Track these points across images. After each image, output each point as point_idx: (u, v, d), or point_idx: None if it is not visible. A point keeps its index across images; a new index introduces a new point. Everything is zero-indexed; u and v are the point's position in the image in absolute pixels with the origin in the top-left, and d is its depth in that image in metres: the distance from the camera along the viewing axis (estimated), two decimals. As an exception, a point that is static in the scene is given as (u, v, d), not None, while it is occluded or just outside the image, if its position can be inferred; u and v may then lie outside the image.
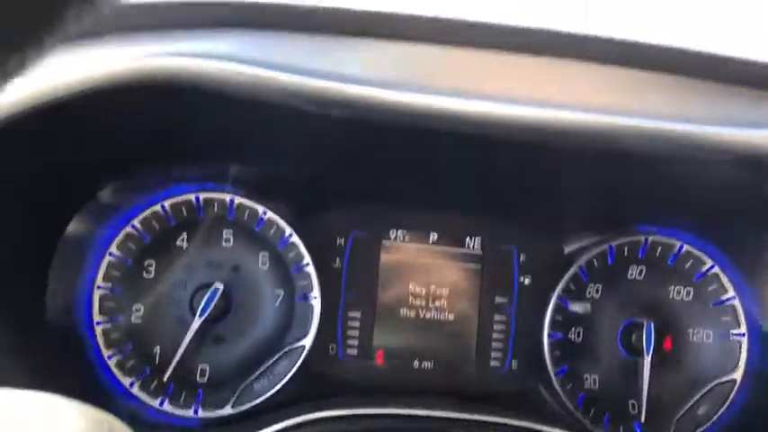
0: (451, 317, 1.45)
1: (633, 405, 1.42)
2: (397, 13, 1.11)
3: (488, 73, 1.13)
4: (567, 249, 1.47)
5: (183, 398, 1.33)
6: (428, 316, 1.45)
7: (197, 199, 1.34)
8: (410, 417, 1.31)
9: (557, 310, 1.41)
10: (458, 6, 1.13)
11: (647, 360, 1.38)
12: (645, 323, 1.39)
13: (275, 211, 1.36)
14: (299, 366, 1.34)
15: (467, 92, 1.03)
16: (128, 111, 1.04)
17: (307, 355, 1.35)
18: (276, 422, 1.23)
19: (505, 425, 1.31)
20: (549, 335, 1.41)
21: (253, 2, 1.09)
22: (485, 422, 1.31)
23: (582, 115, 1.01)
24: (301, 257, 1.36)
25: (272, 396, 1.33)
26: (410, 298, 1.45)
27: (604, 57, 1.13)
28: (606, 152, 1.10)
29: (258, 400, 1.32)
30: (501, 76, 1.12)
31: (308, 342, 1.35)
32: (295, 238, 1.36)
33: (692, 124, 1.01)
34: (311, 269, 1.36)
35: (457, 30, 1.11)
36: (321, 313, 1.36)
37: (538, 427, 1.30)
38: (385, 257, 1.44)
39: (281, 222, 1.35)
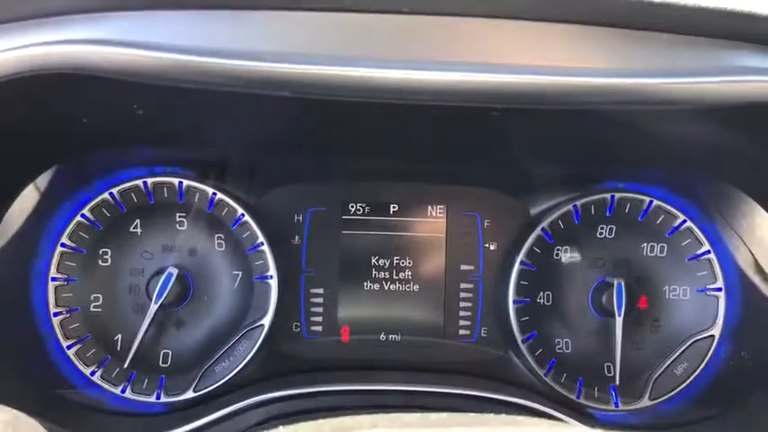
0: (417, 288, 1.42)
1: (608, 367, 1.38)
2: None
3: (433, 39, 1.08)
4: (534, 212, 1.42)
5: (145, 384, 1.32)
6: (393, 288, 1.42)
7: (145, 184, 1.32)
8: (374, 391, 1.29)
9: (522, 275, 1.37)
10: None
11: (620, 320, 1.34)
12: (615, 283, 1.35)
13: (226, 192, 1.34)
14: (260, 346, 1.33)
15: (411, 61, 0.99)
16: (52, 99, 1.02)
17: (268, 335, 1.34)
18: (237, 402, 1.23)
19: (471, 396, 1.29)
20: (514, 300, 1.37)
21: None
22: (449, 394, 1.29)
23: (531, 77, 0.95)
24: (256, 237, 1.34)
25: (233, 377, 1.32)
26: (373, 271, 1.42)
27: (549, 13, 1.07)
28: (561, 112, 1.05)
29: (220, 383, 1.31)
30: (445, 42, 1.07)
31: (267, 321, 1.33)
32: (247, 218, 1.33)
33: (641, 77, 0.95)
34: (266, 248, 1.33)
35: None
36: (280, 292, 1.34)
37: (503, 397, 1.28)
38: (345, 232, 1.41)
39: (233, 203, 1.33)
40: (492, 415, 0.70)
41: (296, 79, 0.93)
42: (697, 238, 1.38)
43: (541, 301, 1.40)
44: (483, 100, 0.93)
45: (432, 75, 0.93)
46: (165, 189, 1.33)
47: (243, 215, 1.33)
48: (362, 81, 0.95)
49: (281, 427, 0.70)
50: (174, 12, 0.99)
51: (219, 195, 1.33)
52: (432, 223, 1.43)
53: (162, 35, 0.95)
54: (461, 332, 1.42)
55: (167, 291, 1.29)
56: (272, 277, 1.34)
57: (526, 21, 0.99)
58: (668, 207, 1.38)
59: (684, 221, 1.38)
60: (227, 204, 1.34)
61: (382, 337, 1.41)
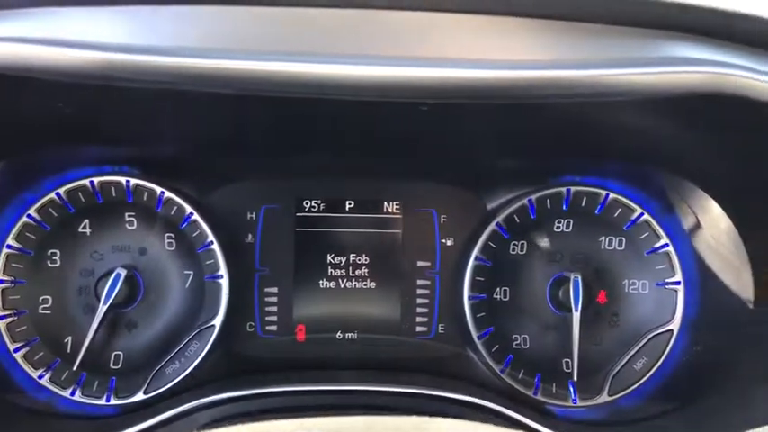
0: (373, 285, 1.41)
1: (567, 363, 1.37)
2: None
3: (369, 34, 1.05)
4: (490, 207, 1.41)
5: (95, 386, 1.30)
6: (349, 285, 1.40)
7: (92, 183, 1.30)
8: (330, 391, 1.28)
9: (477, 270, 1.36)
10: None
11: (577, 315, 1.32)
12: (572, 277, 1.33)
13: (175, 191, 1.31)
14: (212, 346, 1.31)
15: (345, 56, 0.96)
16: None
17: (221, 335, 1.32)
18: (188, 402, 1.21)
19: (426, 395, 1.27)
20: (469, 297, 1.35)
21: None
22: (405, 393, 1.27)
23: (462, 71, 0.93)
24: (206, 236, 1.32)
25: (185, 378, 1.30)
26: (329, 269, 1.40)
27: (483, 5, 1.05)
28: (511, 105, 1.03)
29: (171, 384, 1.30)
30: (380, 36, 1.05)
31: (218, 321, 1.31)
32: (196, 216, 1.31)
33: (574, 69, 0.93)
34: (216, 247, 1.31)
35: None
36: (232, 291, 1.32)
37: (458, 396, 1.26)
38: (300, 229, 1.39)
39: (181, 201, 1.31)
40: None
41: (230, 76, 0.92)
42: (655, 231, 1.37)
43: (498, 296, 1.38)
44: (412, 95, 0.91)
45: (362, 70, 0.92)
46: (113, 188, 1.31)
47: (192, 213, 1.31)
48: (292, 77, 0.93)
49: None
50: (103, 8, 0.97)
51: (168, 194, 1.31)
52: (388, 220, 1.41)
53: (91, 33, 0.93)
54: (418, 329, 1.40)
55: (116, 291, 1.27)
56: (222, 277, 1.32)
57: (459, 14, 0.97)
58: (625, 200, 1.36)
59: (642, 214, 1.36)
60: (176, 203, 1.31)
61: (339, 335, 1.40)
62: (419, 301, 1.40)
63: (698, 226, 1.31)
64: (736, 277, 1.26)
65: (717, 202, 1.24)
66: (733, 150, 1.09)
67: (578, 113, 1.09)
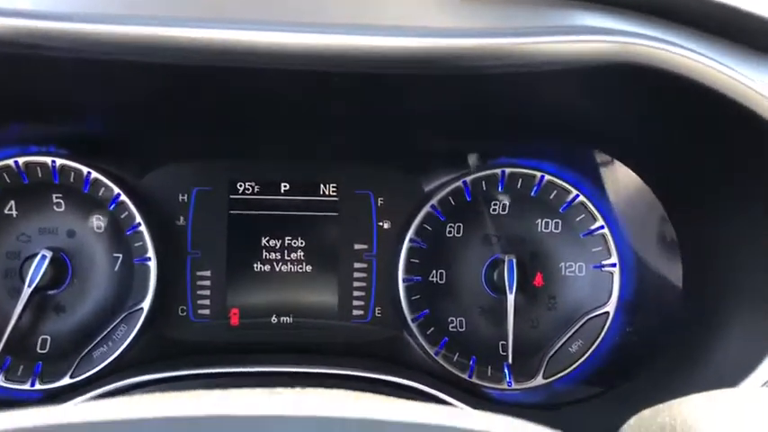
0: (309, 268, 1.39)
1: (503, 346, 1.35)
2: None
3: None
4: (427, 189, 1.39)
5: (20, 371, 1.27)
6: (285, 269, 1.38)
7: (17, 164, 1.27)
8: (262, 374, 1.26)
9: (412, 252, 1.34)
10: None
11: (512, 298, 1.31)
12: (506, 259, 1.32)
13: (103, 171, 1.29)
14: (141, 330, 1.29)
15: (264, 23, 0.95)
16: None
17: (151, 318, 1.30)
18: (110, 384, 1.19)
19: (360, 377, 1.25)
20: (404, 279, 1.34)
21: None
22: (339, 375, 1.25)
23: (403, 40, 0.92)
24: (134, 217, 1.30)
25: (113, 362, 1.27)
26: (264, 252, 1.38)
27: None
28: (440, 82, 1.02)
29: (98, 368, 1.27)
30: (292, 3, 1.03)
31: (146, 305, 1.29)
32: (124, 198, 1.29)
33: (492, 38, 0.92)
34: (144, 229, 1.29)
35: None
36: (162, 274, 1.30)
37: (392, 378, 1.25)
38: (234, 212, 1.37)
39: (109, 182, 1.29)
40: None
41: (149, 43, 0.90)
42: (590, 213, 1.36)
43: (434, 279, 1.37)
44: (321, 64, 0.90)
45: (274, 37, 0.91)
46: (39, 169, 1.28)
47: (119, 195, 1.29)
48: (209, 44, 0.92)
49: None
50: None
51: (95, 174, 1.28)
52: (324, 202, 1.39)
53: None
54: (355, 312, 1.38)
55: (41, 274, 1.24)
56: (150, 259, 1.29)
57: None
58: (560, 182, 1.35)
59: (577, 196, 1.35)
60: (104, 184, 1.29)
61: (274, 319, 1.38)
62: (356, 284, 1.39)
63: (628, 205, 1.31)
64: (666, 258, 1.26)
65: (642, 179, 1.24)
66: (649, 124, 1.08)
67: (506, 90, 1.08)
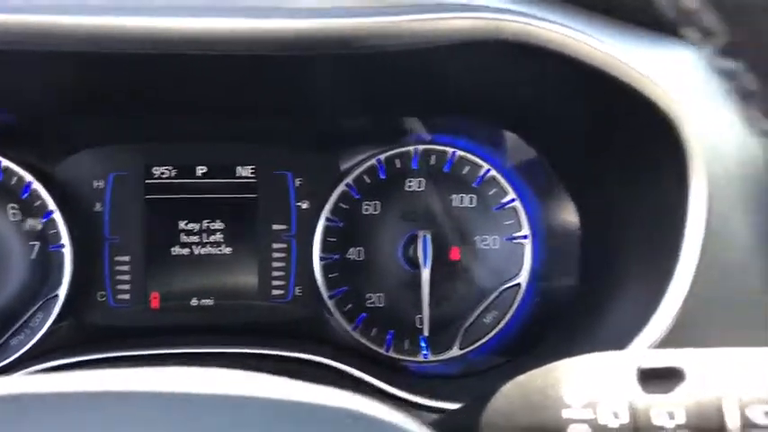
0: (229, 250, 1.40)
1: (420, 320, 1.39)
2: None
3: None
4: (344, 168, 1.41)
5: (-67, 363, 1.28)
6: (204, 252, 1.40)
7: (-77, 153, 1.27)
8: (179, 355, 1.27)
9: (328, 231, 1.37)
10: None
11: (426, 272, 1.34)
12: (421, 235, 1.35)
13: (14, 159, 1.29)
14: (58, 317, 1.30)
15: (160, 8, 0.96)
16: None
17: (68, 305, 1.31)
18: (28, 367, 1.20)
19: (277, 357, 1.28)
20: (321, 257, 1.36)
21: None
22: (249, 354, 1.27)
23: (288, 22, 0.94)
24: (47, 205, 1.30)
25: (31, 349, 1.28)
26: (182, 235, 1.39)
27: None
28: (341, 59, 1.03)
29: (15, 355, 1.28)
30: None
31: (62, 292, 1.30)
32: (36, 186, 1.29)
33: (357, 18, 0.94)
34: (57, 216, 1.30)
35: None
36: (78, 261, 1.31)
37: (303, 356, 1.27)
38: (150, 196, 1.38)
39: (20, 170, 1.29)
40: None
41: (44, 32, 0.91)
42: (502, 187, 1.39)
43: (352, 256, 1.39)
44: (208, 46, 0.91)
45: (170, 22, 0.92)
46: (-51, 158, 1.28)
47: (31, 183, 1.29)
48: (110, 31, 0.93)
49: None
50: None
51: (6, 163, 1.28)
52: (242, 184, 1.40)
53: None
54: (275, 292, 1.40)
55: (-51, 264, 1.25)
56: (64, 246, 1.30)
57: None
58: (472, 157, 1.38)
59: (489, 170, 1.38)
60: (15, 172, 1.29)
61: (194, 302, 1.39)
62: (275, 264, 1.40)
63: (532, 178, 1.34)
64: (569, 228, 1.30)
65: (538, 151, 1.27)
66: (538, 97, 1.11)
67: (403, 67, 1.10)
